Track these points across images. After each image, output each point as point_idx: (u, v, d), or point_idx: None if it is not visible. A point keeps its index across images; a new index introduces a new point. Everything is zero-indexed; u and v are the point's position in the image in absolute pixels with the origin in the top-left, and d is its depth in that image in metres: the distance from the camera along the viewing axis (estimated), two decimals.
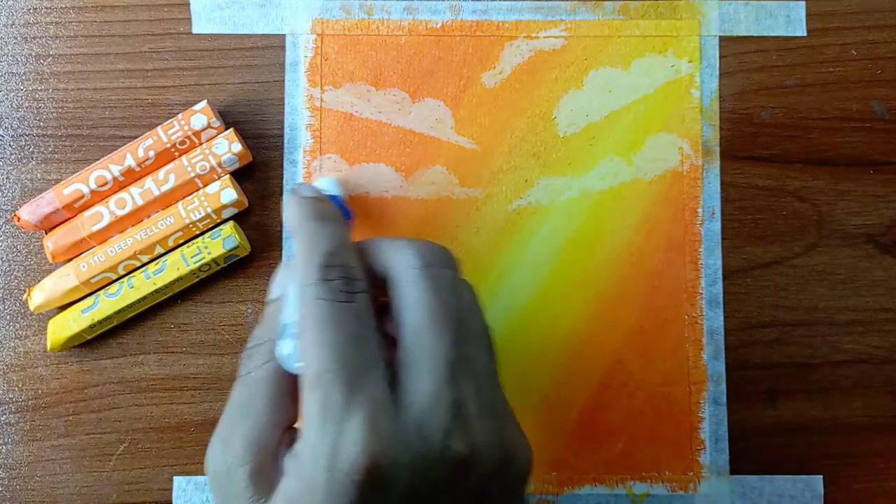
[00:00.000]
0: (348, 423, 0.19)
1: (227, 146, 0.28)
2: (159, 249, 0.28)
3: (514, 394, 0.29)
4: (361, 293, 0.21)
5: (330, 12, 0.30)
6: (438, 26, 0.30)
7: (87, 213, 0.28)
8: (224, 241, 0.28)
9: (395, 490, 0.19)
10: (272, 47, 0.30)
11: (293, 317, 0.22)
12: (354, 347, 0.20)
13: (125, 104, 0.29)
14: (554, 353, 0.29)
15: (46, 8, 0.30)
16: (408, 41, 0.30)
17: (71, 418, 0.29)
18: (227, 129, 0.28)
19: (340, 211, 0.24)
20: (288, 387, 0.22)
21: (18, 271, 0.29)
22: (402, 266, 0.22)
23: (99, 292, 0.28)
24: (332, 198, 0.25)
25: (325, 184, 0.27)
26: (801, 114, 0.30)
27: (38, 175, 0.29)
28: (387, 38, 0.30)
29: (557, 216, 0.29)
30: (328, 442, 0.19)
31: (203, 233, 0.28)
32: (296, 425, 0.22)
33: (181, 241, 0.28)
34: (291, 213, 0.24)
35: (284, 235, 0.29)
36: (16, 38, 0.30)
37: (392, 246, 0.22)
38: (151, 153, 0.28)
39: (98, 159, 0.29)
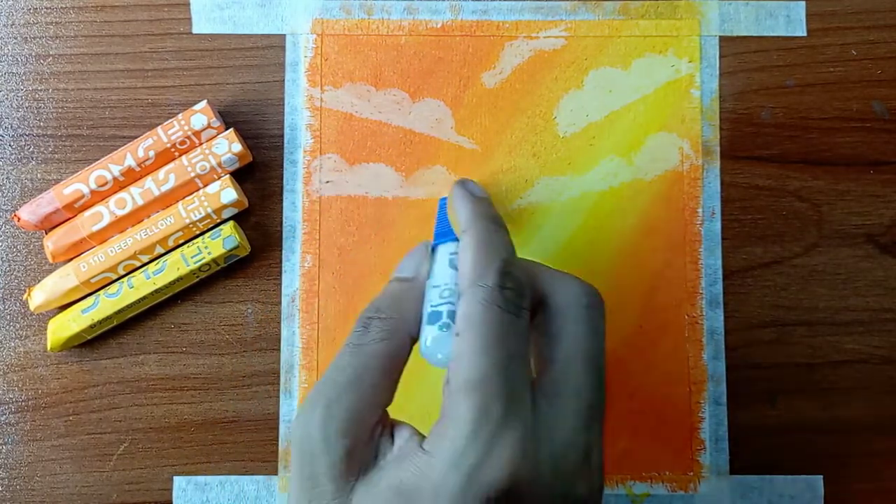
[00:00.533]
0: (502, 439, 0.19)
1: (227, 146, 0.28)
2: (159, 249, 0.28)
3: None
4: (526, 311, 0.21)
5: (330, 12, 0.30)
6: (438, 26, 0.30)
7: (87, 213, 0.28)
8: (224, 241, 0.28)
9: None
10: (272, 47, 0.30)
11: (446, 308, 0.21)
12: (517, 364, 0.20)
13: (125, 104, 0.29)
14: None
15: (46, 8, 0.30)
16: (408, 41, 0.30)
17: (71, 418, 0.29)
18: (227, 129, 0.28)
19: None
20: (399, 369, 0.22)
21: (18, 271, 0.29)
22: (570, 301, 0.22)
23: (99, 292, 0.28)
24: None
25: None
26: (801, 114, 0.30)
27: (38, 175, 0.29)
28: (387, 38, 0.30)
29: (558, 216, 0.29)
30: (476, 452, 0.19)
31: (203, 233, 0.28)
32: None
33: (181, 241, 0.28)
34: (464, 207, 0.24)
35: (284, 235, 0.29)
36: (16, 38, 0.30)
37: (558, 276, 0.22)
38: (151, 153, 0.28)
39: (98, 159, 0.29)
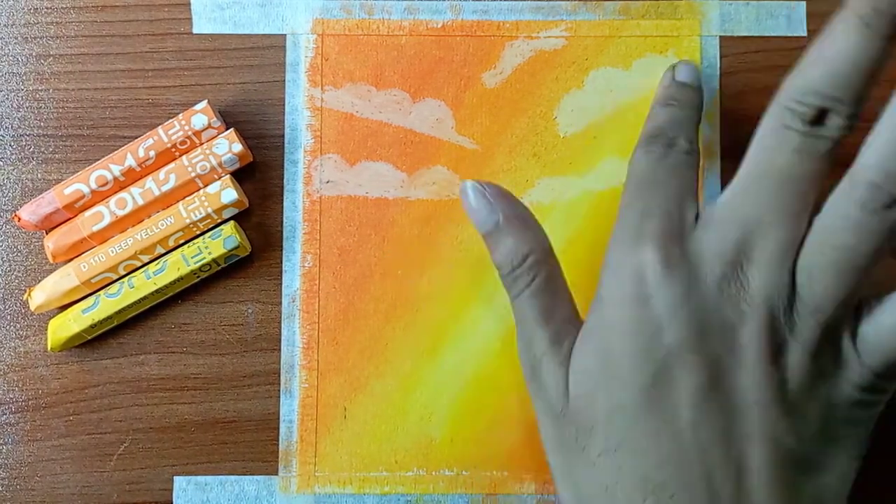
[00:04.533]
0: None
1: (228, 146, 0.28)
2: (160, 249, 0.28)
3: (513, 395, 0.29)
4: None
5: (330, 12, 0.30)
6: (439, 26, 0.30)
7: (87, 213, 0.28)
8: (224, 241, 0.28)
9: None
10: (273, 47, 0.30)
11: None
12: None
13: (125, 104, 0.29)
14: None
15: (46, 8, 0.30)
16: (408, 41, 0.30)
17: (71, 418, 0.29)
18: (227, 129, 0.28)
19: None
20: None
21: (19, 271, 0.29)
22: None
23: (99, 292, 0.28)
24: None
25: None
26: None
27: (39, 175, 0.29)
28: (387, 38, 0.30)
29: (558, 216, 0.29)
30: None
31: (203, 233, 0.29)
32: None
33: (182, 241, 0.28)
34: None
35: (285, 235, 0.29)
36: (16, 38, 0.30)
37: None
38: (152, 153, 0.28)
39: (98, 159, 0.29)
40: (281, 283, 0.29)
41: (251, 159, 0.29)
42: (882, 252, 0.20)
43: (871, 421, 0.22)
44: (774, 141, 0.21)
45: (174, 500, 0.29)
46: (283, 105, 0.29)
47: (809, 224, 0.21)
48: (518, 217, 0.24)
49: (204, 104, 0.28)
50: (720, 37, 0.30)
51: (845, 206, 0.20)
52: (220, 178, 0.28)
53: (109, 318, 0.28)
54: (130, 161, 0.28)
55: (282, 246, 0.29)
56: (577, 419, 0.22)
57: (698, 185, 0.24)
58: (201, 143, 0.28)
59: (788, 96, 0.21)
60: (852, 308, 0.21)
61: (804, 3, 0.30)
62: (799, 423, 0.21)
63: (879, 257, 0.20)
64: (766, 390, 0.21)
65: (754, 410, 0.20)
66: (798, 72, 0.21)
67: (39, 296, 0.28)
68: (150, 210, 0.28)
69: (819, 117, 0.20)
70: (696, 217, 0.23)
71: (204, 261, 0.28)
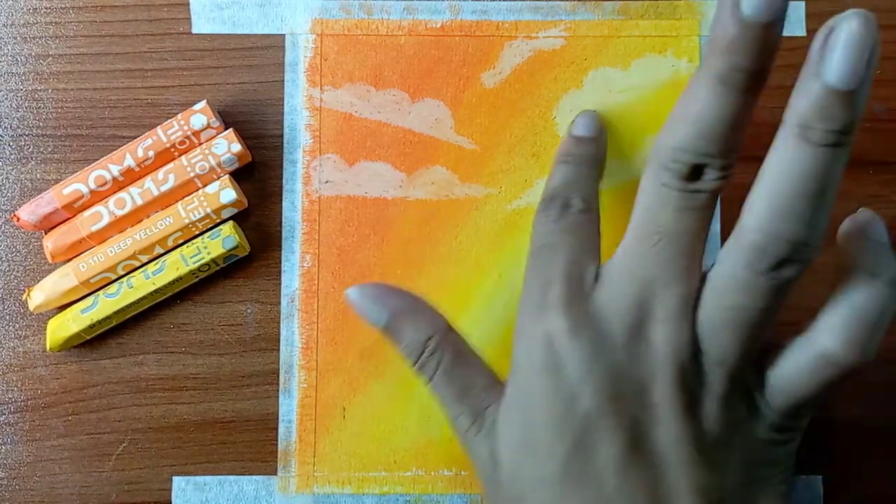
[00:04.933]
0: None
1: (227, 146, 0.28)
2: (159, 249, 0.28)
3: None
4: None
5: (330, 12, 0.30)
6: (438, 26, 0.30)
7: (86, 213, 0.28)
8: (223, 241, 0.28)
9: None
10: (272, 47, 0.30)
11: None
12: None
13: (125, 104, 0.29)
14: None
15: (46, 8, 0.30)
16: (407, 41, 0.30)
17: (70, 418, 0.29)
18: (226, 129, 0.28)
19: None
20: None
21: (18, 271, 0.29)
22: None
23: (98, 292, 0.28)
24: None
25: None
26: None
27: (38, 175, 0.29)
28: (386, 38, 0.30)
29: None
30: None
31: (202, 233, 0.28)
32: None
33: (181, 241, 0.28)
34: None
35: (284, 235, 0.29)
36: (15, 38, 0.30)
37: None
38: (151, 153, 0.28)
39: (97, 159, 0.29)
40: (280, 284, 0.29)
41: (250, 159, 0.29)
42: (779, 305, 0.21)
43: (789, 458, 0.22)
44: (655, 200, 0.21)
45: (173, 500, 0.29)
46: (282, 105, 0.29)
47: (705, 274, 0.22)
48: (406, 308, 0.24)
49: (203, 104, 0.28)
50: None
51: (733, 266, 0.20)
52: (218, 178, 0.28)
53: (108, 318, 0.28)
54: (129, 161, 0.28)
55: (281, 246, 0.29)
56: (507, 489, 0.22)
57: (599, 240, 0.24)
58: (200, 143, 0.28)
59: (662, 155, 0.21)
60: (756, 354, 0.22)
61: (804, 3, 0.30)
62: (722, 471, 0.21)
63: (777, 311, 0.21)
64: (686, 444, 0.21)
65: (677, 466, 0.20)
66: (667, 130, 0.21)
67: (38, 296, 0.28)
68: (149, 210, 0.28)
69: (694, 172, 0.20)
70: (596, 275, 0.23)
71: (203, 261, 0.28)
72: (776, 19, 0.19)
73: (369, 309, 0.24)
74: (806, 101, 0.18)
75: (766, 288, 0.20)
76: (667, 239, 0.21)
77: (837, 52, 0.18)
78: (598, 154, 0.27)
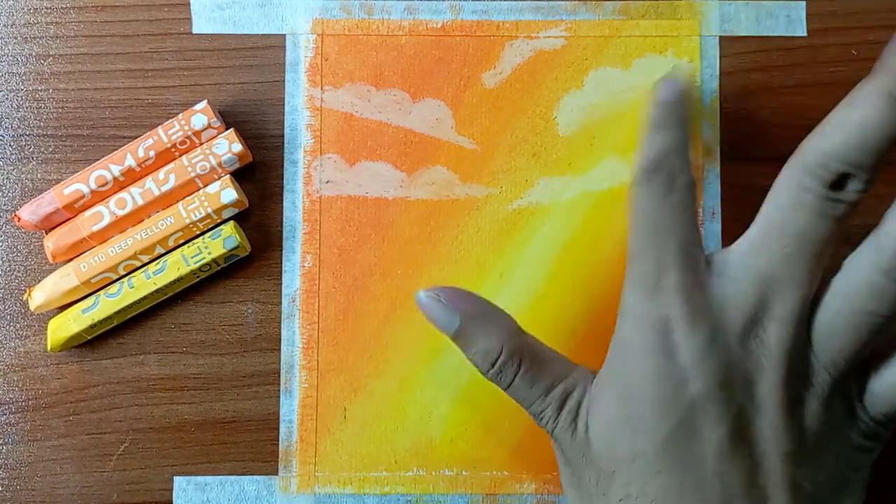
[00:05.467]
0: None
1: (228, 146, 0.28)
2: (160, 249, 0.28)
3: None
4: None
5: (330, 12, 0.30)
6: (439, 26, 0.30)
7: (87, 213, 0.28)
8: (224, 241, 0.28)
9: None
10: (272, 47, 0.30)
11: None
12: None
13: (125, 104, 0.29)
14: None
15: (46, 8, 0.30)
16: (408, 41, 0.30)
17: (71, 418, 0.29)
18: (227, 129, 0.28)
19: None
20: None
21: (18, 271, 0.29)
22: None
23: (99, 292, 0.28)
24: None
25: None
26: (802, 114, 0.30)
27: (39, 175, 0.29)
28: (387, 38, 0.30)
29: (558, 216, 0.29)
30: None
31: (203, 233, 0.29)
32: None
33: (181, 241, 0.28)
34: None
35: (284, 235, 0.29)
36: (16, 38, 0.30)
37: None
38: (152, 153, 0.28)
39: (98, 159, 0.29)
40: (281, 283, 0.29)
41: (251, 159, 0.29)
42: None
43: (870, 466, 0.23)
44: (792, 201, 0.21)
45: (174, 500, 0.29)
46: (283, 105, 0.29)
47: (824, 280, 0.22)
48: (479, 314, 0.24)
49: (204, 104, 0.28)
50: (720, 37, 0.30)
51: (868, 272, 0.21)
52: (219, 178, 0.28)
53: (109, 318, 0.28)
54: (130, 161, 0.28)
55: (281, 246, 0.29)
56: (597, 464, 0.23)
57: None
58: (201, 143, 0.28)
59: (810, 159, 0.21)
60: (866, 358, 0.22)
61: (804, 3, 0.30)
62: (815, 470, 0.22)
63: None
64: (786, 440, 0.21)
65: (775, 459, 0.21)
66: (821, 135, 0.21)
67: (39, 296, 0.28)
68: (149, 210, 0.28)
69: (840, 182, 0.21)
70: (707, 261, 0.23)
71: (204, 261, 0.28)
72: None
73: (440, 314, 0.24)
74: None
75: None
76: (798, 242, 0.21)
77: None
78: (689, 116, 0.26)
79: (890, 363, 0.22)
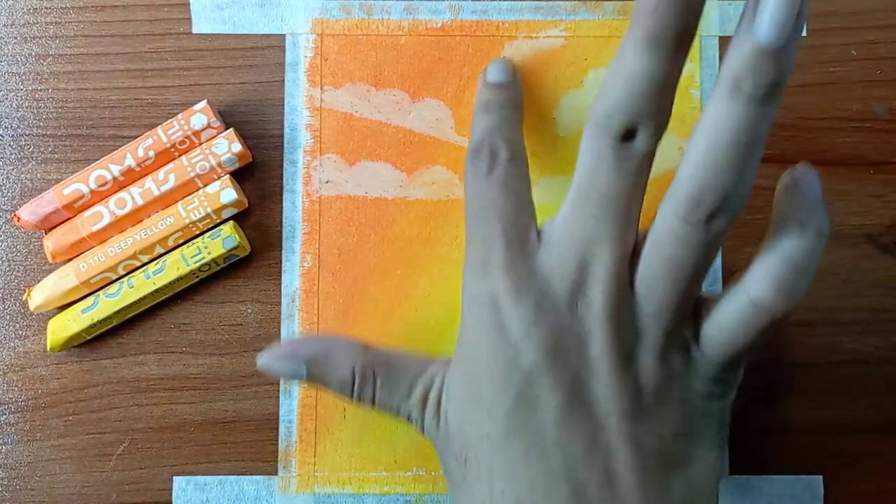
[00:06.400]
0: None
1: (227, 146, 0.28)
2: (159, 249, 0.28)
3: None
4: None
5: (330, 12, 0.30)
6: (438, 26, 0.30)
7: (86, 213, 0.28)
8: (224, 241, 0.28)
9: None
10: (272, 47, 0.30)
11: None
12: None
13: (125, 104, 0.29)
14: None
15: (46, 8, 0.30)
16: (408, 41, 0.30)
17: (71, 418, 0.29)
18: (227, 129, 0.28)
19: None
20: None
21: (18, 271, 0.29)
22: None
23: (99, 292, 0.28)
24: None
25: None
26: (801, 114, 0.30)
27: (38, 175, 0.29)
28: (387, 38, 0.30)
29: None
30: None
31: (203, 233, 0.29)
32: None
33: (181, 241, 0.28)
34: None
35: (284, 235, 0.29)
36: (16, 38, 0.30)
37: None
38: (151, 153, 0.28)
39: (98, 159, 0.29)
40: (280, 283, 0.29)
41: (250, 159, 0.29)
42: (711, 259, 0.21)
43: (724, 412, 0.23)
44: (592, 162, 0.22)
45: (173, 500, 0.29)
46: (283, 105, 0.29)
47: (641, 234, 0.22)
48: (320, 352, 0.25)
49: (203, 104, 0.28)
50: (720, 37, 0.30)
51: (668, 220, 0.21)
52: (219, 177, 0.28)
53: (109, 318, 0.28)
54: (130, 161, 0.28)
55: (281, 246, 0.29)
56: (455, 450, 0.23)
57: (530, 189, 0.25)
58: (200, 143, 0.28)
59: (597, 118, 0.21)
60: (691, 308, 0.22)
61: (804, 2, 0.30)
62: (658, 424, 0.22)
63: (709, 265, 0.21)
64: (622, 398, 0.22)
65: (614, 419, 0.22)
66: (601, 94, 0.21)
67: (39, 296, 0.28)
68: (149, 210, 0.28)
69: (628, 134, 0.21)
70: (538, 233, 0.23)
71: (203, 261, 0.28)
72: None
73: (285, 368, 0.25)
74: (738, 58, 0.19)
75: (699, 240, 0.21)
76: (604, 200, 0.22)
77: (767, 12, 0.19)
78: (517, 98, 0.27)
79: (719, 306, 0.22)
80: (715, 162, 0.20)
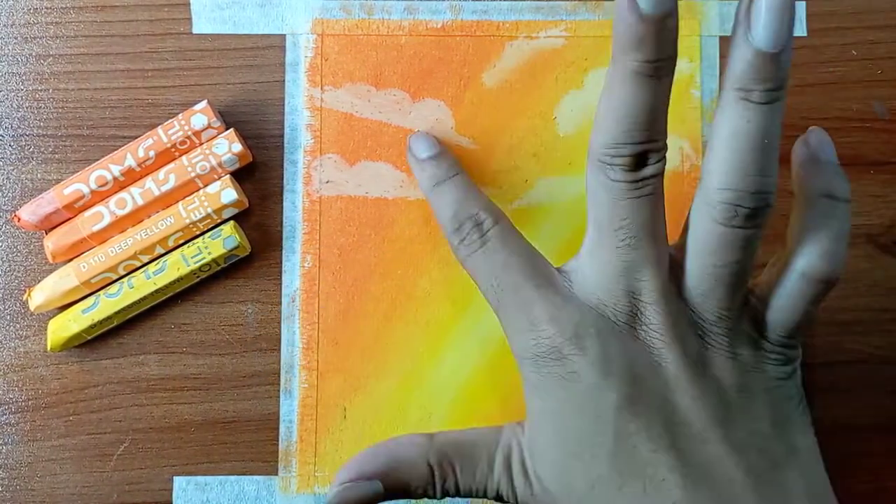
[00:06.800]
0: None
1: (228, 146, 0.28)
2: (160, 249, 0.28)
3: (512, 396, 0.29)
4: None
5: (330, 12, 0.30)
6: (439, 26, 0.30)
7: (87, 213, 0.28)
8: (224, 241, 0.28)
9: None
10: (272, 47, 0.30)
11: None
12: None
13: (125, 104, 0.29)
14: None
15: (46, 8, 0.30)
16: (408, 41, 0.30)
17: (71, 418, 0.29)
18: (227, 129, 0.28)
19: None
20: None
21: (18, 271, 0.29)
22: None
23: (99, 292, 0.28)
24: None
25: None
26: (802, 114, 0.30)
27: (39, 175, 0.29)
28: (387, 38, 0.30)
29: (558, 216, 0.29)
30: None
31: (203, 233, 0.28)
32: None
33: (181, 242, 0.28)
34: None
35: (284, 235, 0.29)
36: (16, 38, 0.30)
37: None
38: (152, 153, 0.28)
39: (98, 159, 0.29)
40: (280, 284, 0.29)
41: (251, 159, 0.29)
42: (755, 251, 0.22)
43: (800, 390, 0.23)
44: (608, 196, 0.22)
45: (174, 500, 0.29)
46: (283, 105, 0.29)
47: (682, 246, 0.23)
48: (389, 464, 0.24)
49: (204, 104, 0.28)
50: (720, 37, 0.30)
51: (708, 228, 0.22)
52: (219, 178, 0.28)
53: (109, 318, 0.28)
54: (130, 161, 0.28)
55: (281, 246, 0.29)
56: (561, 501, 0.23)
57: (524, 239, 0.25)
58: (201, 143, 0.28)
59: (602, 154, 0.22)
60: (744, 300, 0.23)
61: (804, 2, 0.30)
62: (753, 422, 0.22)
63: (754, 257, 0.22)
64: (711, 406, 0.22)
65: (708, 427, 0.22)
66: (599, 130, 0.22)
67: (39, 296, 0.28)
68: (149, 210, 0.28)
69: (638, 162, 0.22)
70: (563, 275, 0.24)
71: (204, 261, 0.28)
72: (672, 10, 0.20)
73: (360, 493, 0.24)
74: (741, 66, 0.20)
75: (743, 238, 0.21)
76: (633, 228, 0.22)
77: (762, 18, 0.20)
78: (456, 161, 0.28)
79: (772, 290, 0.23)
80: (743, 167, 0.21)
